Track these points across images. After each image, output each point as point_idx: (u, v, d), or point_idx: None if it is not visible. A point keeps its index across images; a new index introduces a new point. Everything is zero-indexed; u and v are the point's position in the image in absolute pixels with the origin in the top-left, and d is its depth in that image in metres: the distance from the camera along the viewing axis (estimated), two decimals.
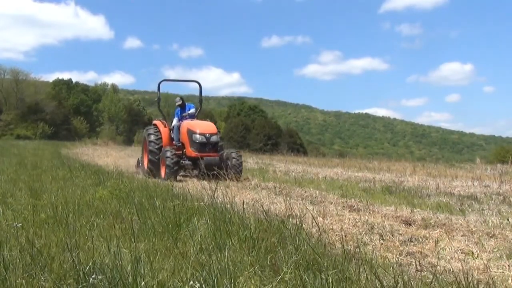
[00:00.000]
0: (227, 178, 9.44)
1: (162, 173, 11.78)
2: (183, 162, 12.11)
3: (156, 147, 12.66)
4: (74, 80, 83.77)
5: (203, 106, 16.20)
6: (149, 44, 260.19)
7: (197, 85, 14.70)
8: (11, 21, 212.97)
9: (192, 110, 13.33)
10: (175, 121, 13.28)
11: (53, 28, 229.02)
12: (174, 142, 12.83)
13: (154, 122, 13.87)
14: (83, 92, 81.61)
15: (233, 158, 11.96)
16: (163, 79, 14.34)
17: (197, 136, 11.98)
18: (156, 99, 14.00)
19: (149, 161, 12.64)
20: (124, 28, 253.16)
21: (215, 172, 9.92)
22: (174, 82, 15.42)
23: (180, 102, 13.51)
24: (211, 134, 12.11)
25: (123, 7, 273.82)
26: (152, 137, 12.93)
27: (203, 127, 12.29)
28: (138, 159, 14.88)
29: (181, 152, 12.35)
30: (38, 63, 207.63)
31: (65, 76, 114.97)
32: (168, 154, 11.67)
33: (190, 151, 12.05)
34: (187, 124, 12.42)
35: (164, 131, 13.12)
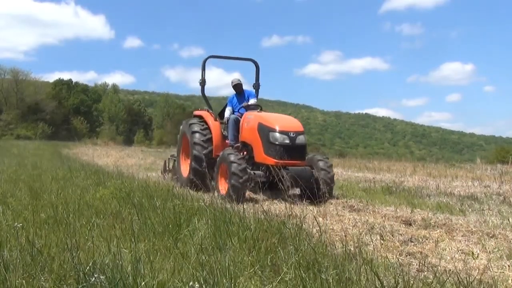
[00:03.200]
0: (316, 198, 7.58)
1: (221, 188, 8.20)
2: (252, 172, 8.13)
3: (204, 151, 9.09)
4: (74, 80, 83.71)
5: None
6: (149, 44, 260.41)
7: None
8: (11, 20, 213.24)
9: (254, 101, 9.65)
10: (228, 112, 9.79)
11: (53, 27, 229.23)
12: (228, 141, 9.35)
13: (198, 112, 10.16)
14: (83, 92, 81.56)
15: (322, 169, 8.13)
16: (210, 55, 10.22)
17: (277, 135, 8.09)
18: (200, 81, 10.16)
19: (193, 170, 9.12)
20: (124, 28, 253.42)
21: (302, 188, 7.59)
22: (223, 59, 10.93)
23: (237, 83, 9.79)
24: (297, 133, 8.19)
25: (123, 6, 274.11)
26: (198, 136, 9.25)
27: (285, 123, 8.37)
28: (166, 161, 11.92)
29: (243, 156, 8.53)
30: (38, 63, 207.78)
31: (65, 76, 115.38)
32: (233, 158, 7.87)
33: (264, 157, 8.13)
34: (257, 117, 8.52)
35: (214, 126, 9.49)
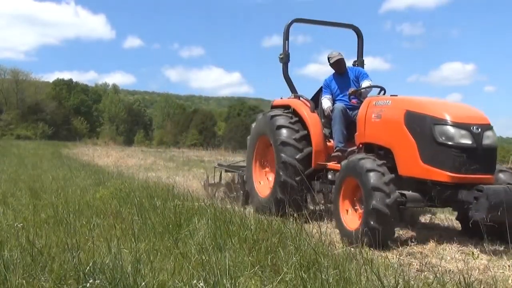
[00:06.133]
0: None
1: (345, 220, 5.23)
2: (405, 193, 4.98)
3: (298, 155, 6.14)
4: (74, 80, 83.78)
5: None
6: (149, 43, 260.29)
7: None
8: (11, 20, 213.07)
9: (369, 83, 6.45)
10: (327, 101, 6.54)
11: (53, 27, 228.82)
12: (333, 142, 6.24)
13: (283, 101, 7.08)
14: (84, 92, 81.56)
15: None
16: (295, 19, 7.13)
17: (450, 130, 4.93)
18: (280, 55, 7.03)
19: (281, 185, 6.14)
20: (124, 28, 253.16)
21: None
22: (312, 24, 7.66)
23: (338, 59, 6.53)
24: (483, 127, 5.01)
25: (124, 6, 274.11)
26: (286, 133, 6.27)
27: (460, 112, 5.23)
28: (208, 177, 8.69)
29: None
30: (38, 62, 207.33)
31: (65, 76, 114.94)
32: (370, 164, 4.98)
33: (423, 168, 4.98)
34: (401, 102, 5.41)
35: (313, 120, 6.36)
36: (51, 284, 3.02)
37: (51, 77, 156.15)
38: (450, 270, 4.01)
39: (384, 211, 4.65)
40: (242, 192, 7.49)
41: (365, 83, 6.42)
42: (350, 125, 6.07)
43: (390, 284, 3.04)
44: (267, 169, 7.00)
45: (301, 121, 6.40)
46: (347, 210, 5.27)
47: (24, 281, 3.02)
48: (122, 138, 61.94)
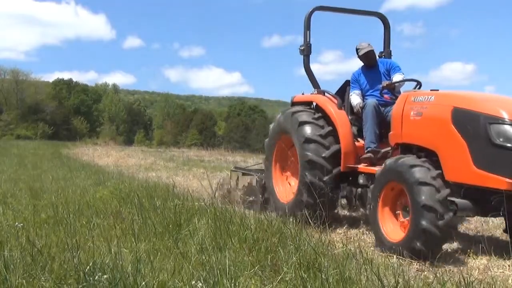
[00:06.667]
0: None
1: (385, 229, 4.72)
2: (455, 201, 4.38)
3: (325, 152, 5.63)
4: (74, 80, 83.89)
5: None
6: (149, 43, 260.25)
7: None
8: (11, 20, 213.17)
9: (401, 76, 5.93)
10: (356, 97, 6.03)
11: (53, 27, 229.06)
12: (361, 142, 5.84)
13: (305, 97, 6.49)
14: (84, 92, 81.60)
15: None
16: (316, 7, 6.61)
17: (511, 131, 4.34)
18: (301, 47, 6.43)
19: (306, 186, 5.58)
20: (124, 27, 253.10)
21: None
22: (335, 12, 7.05)
23: (368, 51, 6.07)
24: None
25: (124, 5, 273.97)
26: (310, 130, 5.76)
27: None
28: (221, 180, 8.28)
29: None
30: (38, 62, 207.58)
31: (65, 75, 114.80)
32: (421, 173, 4.38)
33: (476, 173, 4.38)
34: (446, 98, 4.90)
35: (341, 118, 5.83)
36: (51, 284, 3.02)
37: (51, 77, 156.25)
38: (450, 270, 4.01)
39: (435, 233, 4.14)
40: (260, 196, 6.93)
41: (397, 77, 5.87)
42: (380, 123, 5.59)
43: (390, 284, 3.04)
44: (288, 172, 6.45)
45: (325, 119, 5.87)
46: (387, 218, 4.71)
47: (24, 281, 3.02)
48: (122, 138, 62.01)
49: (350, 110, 6.04)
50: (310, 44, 6.38)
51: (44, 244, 3.85)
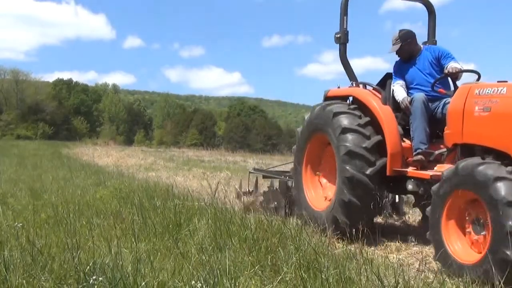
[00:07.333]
0: None
1: (452, 246, 3.92)
2: None
3: (369, 169, 4.86)
4: (74, 80, 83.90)
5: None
6: (149, 43, 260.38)
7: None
8: (11, 20, 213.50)
9: (457, 65, 5.03)
10: (401, 90, 5.28)
11: (53, 27, 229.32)
12: (412, 143, 4.99)
13: (343, 90, 5.76)
14: (84, 92, 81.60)
15: None
16: None
17: None
18: (337, 34, 5.74)
19: (351, 182, 4.84)
20: (124, 27, 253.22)
21: None
22: None
23: (404, 37, 5.36)
24: None
25: (124, 5, 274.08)
26: (354, 140, 4.95)
27: None
28: (241, 183, 7.55)
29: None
30: (38, 62, 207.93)
31: (65, 75, 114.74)
32: (508, 187, 3.47)
33: None
34: None
35: (386, 116, 5.08)
36: (51, 284, 3.02)
37: (51, 77, 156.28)
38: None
39: None
40: (284, 201, 6.19)
41: (451, 65, 4.97)
42: (429, 120, 4.91)
43: (390, 284, 3.04)
44: (321, 175, 5.70)
45: (370, 119, 5.10)
46: (453, 233, 3.96)
47: (24, 281, 3.02)
48: (122, 138, 62.06)
49: (394, 104, 5.24)
50: (347, 31, 5.64)
51: (44, 244, 3.85)
